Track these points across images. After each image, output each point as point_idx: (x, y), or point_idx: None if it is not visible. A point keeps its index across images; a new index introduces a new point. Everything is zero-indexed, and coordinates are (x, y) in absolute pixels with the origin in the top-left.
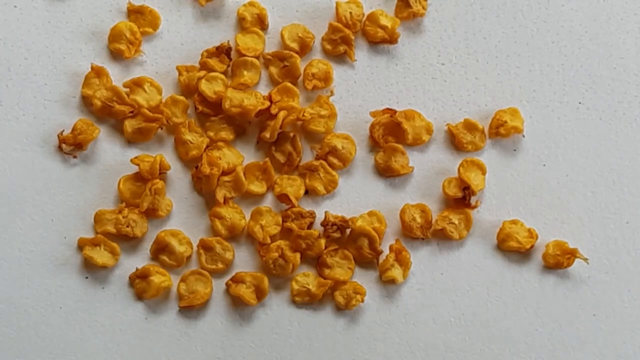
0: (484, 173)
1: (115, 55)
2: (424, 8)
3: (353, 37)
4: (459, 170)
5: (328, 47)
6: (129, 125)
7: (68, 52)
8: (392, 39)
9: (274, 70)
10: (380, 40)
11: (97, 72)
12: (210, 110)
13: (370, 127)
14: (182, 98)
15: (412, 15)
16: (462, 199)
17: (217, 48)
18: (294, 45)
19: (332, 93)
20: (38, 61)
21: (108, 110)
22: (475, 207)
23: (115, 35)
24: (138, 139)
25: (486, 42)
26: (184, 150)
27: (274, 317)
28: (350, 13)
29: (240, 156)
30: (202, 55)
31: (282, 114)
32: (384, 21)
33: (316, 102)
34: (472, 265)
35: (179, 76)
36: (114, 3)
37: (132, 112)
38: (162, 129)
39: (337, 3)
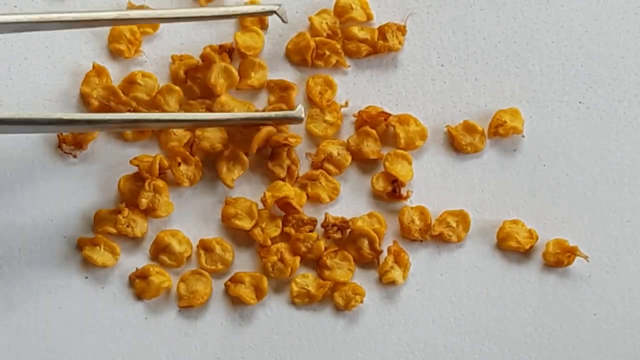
0: (409, 163)
1: (115, 55)
2: (400, 43)
3: (339, 45)
4: (384, 164)
5: (319, 63)
6: None
7: (68, 52)
8: (376, 49)
9: (272, 98)
10: (367, 54)
11: (98, 72)
12: (204, 95)
13: (357, 115)
14: (177, 88)
15: (387, 49)
16: (392, 192)
17: (220, 47)
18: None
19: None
20: (38, 61)
21: (105, 110)
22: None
23: (115, 35)
24: (138, 137)
25: (486, 43)
26: (165, 139)
27: (273, 317)
28: (326, 23)
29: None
30: (204, 49)
31: (265, 130)
32: (362, 34)
33: (329, 107)
34: (472, 266)
35: (171, 64)
36: (114, 3)
37: (129, 110)
38: None
39: (310, 18)
